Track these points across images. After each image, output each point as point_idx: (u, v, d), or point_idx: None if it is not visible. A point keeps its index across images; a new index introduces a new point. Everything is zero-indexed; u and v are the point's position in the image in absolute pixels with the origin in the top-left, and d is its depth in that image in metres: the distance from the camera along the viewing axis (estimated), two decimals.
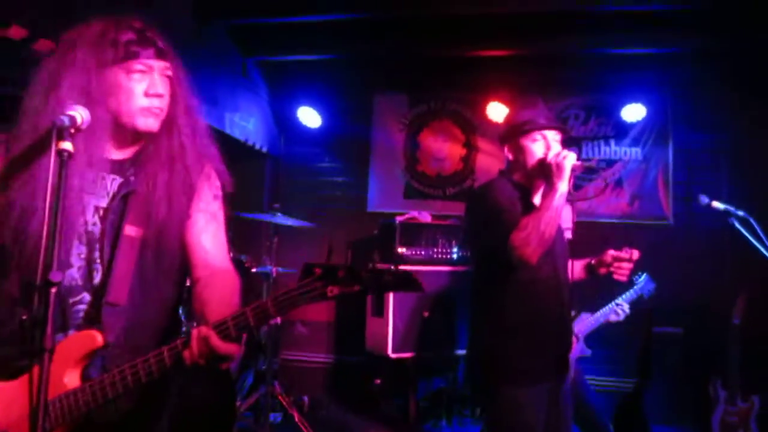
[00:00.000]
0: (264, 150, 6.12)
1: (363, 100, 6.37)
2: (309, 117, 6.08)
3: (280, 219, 4.70)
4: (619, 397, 4.78)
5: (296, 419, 4.48)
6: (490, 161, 6.13)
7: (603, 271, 2.71)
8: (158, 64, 1.67)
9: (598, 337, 3.74)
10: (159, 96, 1.66)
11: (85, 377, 1.57)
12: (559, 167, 2.48)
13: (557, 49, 5.40)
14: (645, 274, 3.85)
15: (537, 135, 2.63)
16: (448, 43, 5.41)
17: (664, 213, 5.70)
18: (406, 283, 1.37)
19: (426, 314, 4.56)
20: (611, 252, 2.69)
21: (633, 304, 3.76)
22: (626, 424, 4.45)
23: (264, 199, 6.28)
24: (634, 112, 5.52)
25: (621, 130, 5.81)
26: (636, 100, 5.48)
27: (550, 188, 2.50)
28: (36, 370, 1.24)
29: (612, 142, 5.87)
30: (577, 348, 3.61)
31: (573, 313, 3.63)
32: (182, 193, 1.70)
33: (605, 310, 3.72)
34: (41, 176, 1.59)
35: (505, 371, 2.53)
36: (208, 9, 4.73)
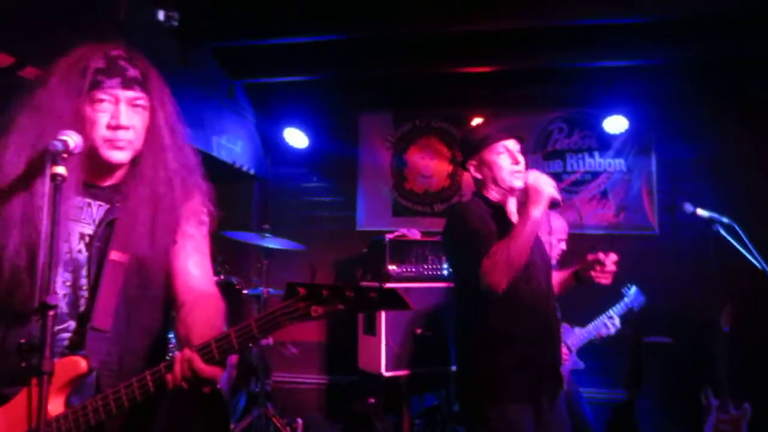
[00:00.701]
0: (251, 172, 6.13)
1: (349, 119, 6.41)
2: (295, 138, 6.11)
3: (270, 241, 4.71)
4: (611, 408, 4.81)
5: None
6: None
7: (587, 274, 2.70)
8: (125, 94, 1.63)
9: (588, 348, 3.76)
10: (122, 128, 1.62)
11: (68, 404, 1.55)
12: (537, 192, 2.48)
13: (538, 64, 5.46)
14: (635, 287, 3.89)
15: (500, 147, 2.64)
16: (430, 61, 5.46)
17: (649, 223, 5.77)
18: (392, 301, 1.32)
19: (418, 331, 4.56)
20: (590, 256, 2.69)
21: (622, 316, 3.79)
22: None
23: (252, 220, 6.28)
24: (616, 124, 5.59)
25: (604, 142, 5.89)
26: (618, 112, 5.55)
27: (523, 215, 2.47)
28: (35, 392, 1.24)
29: (596, 154, 5.94)
30: (570, 361, 3.63)
31: (564, 326, 3.66)
32: (167, 219, 1.69)
33: (596, 323, 3.74)
34: (33, 201, 1.59)
35: (492, 389, 2.49)
36: (193, 33, 4.75)
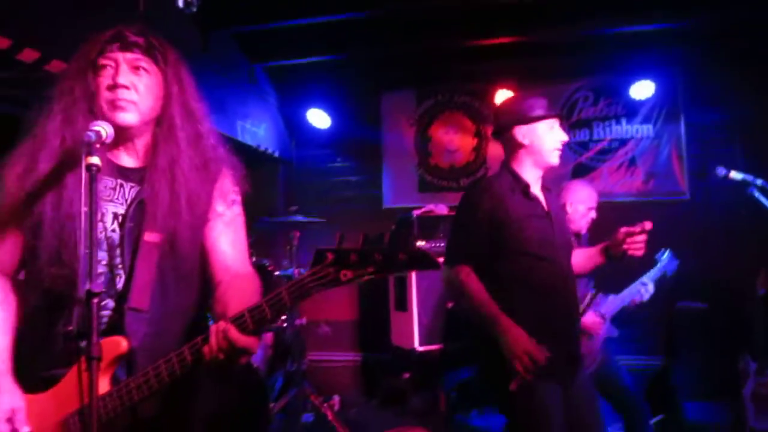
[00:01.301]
0: (276, 154, 6.16)
1: (371, 98, 6.40)
2: (318, 119, 6.12)
3: (298, 222, 4.74)
4: (646, 375, 4.78)
5: (329, 418, 4.51)
6: (502, 150, 6.11)
7: (618, 250, 2.67)
8: (124, 56, 1.65)
9: (622, 316, 3.73)
10: (122, 87, 1.63)
11: (114, 383, 1.59)
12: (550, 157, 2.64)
13: (561, 33, 5.38)
14: (668, 251, 3.84)
15: (553, 122, 2.70)
16: (451, 35, 5.41)
17: (680, 188, 5.69)
18: (421, 261, 1.31)
19: (450, 305, 4.58)
20: (623, 229, 2.66)
21: (656, 281, 3.76)
22: (656, 402, 4.45)
23: (279, 203, 6.33)
24: (643, 90, 5.50)
25: (631, 109, 5.80)
26: (644, 78, 5.46)
27: (499, 319, 2.43)
28: (84, 374, 1.27)
29: (623, 121, 5.86)
30: (604, 329, 3.61)
31: (590, 296, 3.63)
32: (195, 197, 1.70)
33: (630, 289, 3.71)
34: (68, 190, 1.63)
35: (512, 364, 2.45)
36: (212, 18, 4.77)
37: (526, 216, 2.57)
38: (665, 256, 3.83)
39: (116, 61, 1.64)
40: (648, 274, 3.75)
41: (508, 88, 5.72)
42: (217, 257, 1.73)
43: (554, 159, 2.69)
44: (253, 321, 1.39)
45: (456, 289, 2.56)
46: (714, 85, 5.60)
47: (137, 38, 1.66)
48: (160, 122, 1.70)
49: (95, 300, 1.32)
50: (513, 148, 2.75)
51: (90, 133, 1.46)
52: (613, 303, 3.69)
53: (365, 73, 6.24)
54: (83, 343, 1.32)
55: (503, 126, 2.77)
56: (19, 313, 1.74)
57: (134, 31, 1.68)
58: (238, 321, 1.40)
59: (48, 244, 1.61)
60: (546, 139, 2.67)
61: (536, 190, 2.71)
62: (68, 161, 1.63)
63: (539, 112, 2.70)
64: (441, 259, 4.46)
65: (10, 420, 1.60)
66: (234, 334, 1.38)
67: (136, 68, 1.66)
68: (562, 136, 2.71)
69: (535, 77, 5.94)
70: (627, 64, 5.60)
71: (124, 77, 1.63)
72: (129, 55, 1.65)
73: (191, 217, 1.68)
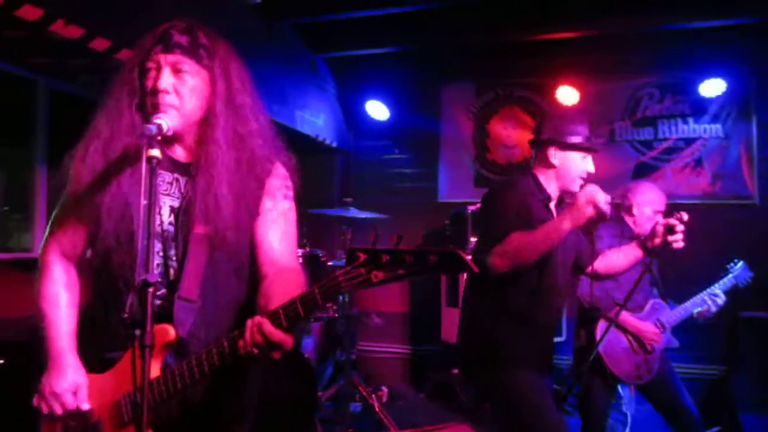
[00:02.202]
0: (334, 145, 6.21)
1: (430, 90, 6.37)
2: (377, 110, 6.13)
3: (353, 212, 4.77)
4: (702, 384, 4.63)
5: (376, 409, 4.55)
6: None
7: (657, 242, 2.68)
8: (166, 58, 1.64)
9: (681, 323, 3.62)
10: (160, 91, 1.63)
11: (163, 368, 1.63)
12: (580, 208, 2.42)
13: (629, 28, 5.23)
14: (742, 262, 3.69)
15: (588, 156, 2.76)
16: (514, 28, 5.33)
17: (749, 191, 5.46)
18: (454, 264, 1.26)
19: None
20: (662, 221, 2.65)
21: (726, 293, 3.62)
22: (713, 413, 4.31)
23: (335, 193, 6.38)
24: (712, 88, 5.30)
25: (699, 107, 5.59)
26: (714, 75, 5.25)
27: (557, 221, 2.51)
28: (138, 361, 1.32)
29: (690, 120, 5.65)
30: (664, 339, 3.50)
31: (658, 303, 3.53)
32: (243, 193, 1.71)
33: (695, 300, 3.58)
34: (125, 182, 1.68)
35: (503, 356, 2.67)
36: (276, 9, 4.83)
37: (540, 221, 2.62)
38: (738, 266, 3.68)
39: (159, 64, 1.65)
40: (718, 284, 3.61)
41: (571, 84, 5.60)
42: (265, 251, 1.74)
43: (575, 187, 2.73)
44: (286, 318, 1.39)
45: (510, 254, 2.49)
46: None
47: (181, 38, 1.65)
48: (207, 120, 1.70)
49: (150, 289, 1.36)
50: (543, 162, 2.80)
51: (151, 126, 1.49)
52: (675, 313, 3.57)
53: (425, 65, 6.22)
54: (137, 331, 1.35)
55: (541, 140, 2.83)
56: (83, 296, 1.81)
57: (180, 29, 1.67)
58: (273, 317, 1.40)
59: (108, 233, 1.66)
60: (574, 167, 2.74)
61: (552, 205, 2.79)
62: (124, 155, 1.67)
63: (578, 140, 2.76)
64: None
65: (74, 394, 1.68)
66: (268, 327, 1.39)
67: (177, 71, 1.65)
68: (590, 168, 2.76)
69: (598, 73, 5.79)
70: (696, 61, 5.39)
71: (165, 81, 1.63)
72: (171, 57, 1.64)
73: (239, 212, 1.69)
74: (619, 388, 4.41)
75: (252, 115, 1.76)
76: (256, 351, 1.41)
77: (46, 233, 1.84)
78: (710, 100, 5.49)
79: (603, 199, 2.38)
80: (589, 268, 2.98)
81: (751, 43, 5.22)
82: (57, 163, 1.77)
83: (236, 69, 1.75)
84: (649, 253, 2.78)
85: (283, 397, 3.77)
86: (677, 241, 2.63)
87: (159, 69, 1.65)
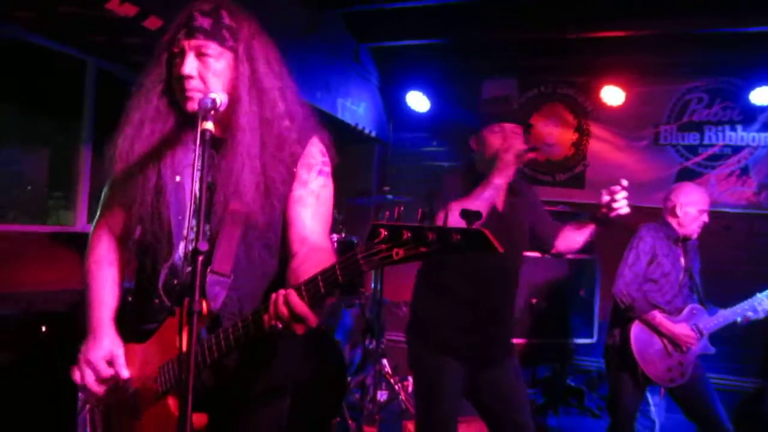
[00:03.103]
0: (373, 134, 6.22)
1: (472, 84, 6.32)
2: (417, 102, 6.12)
3: (391, 203, 4.79)
4: (736, 396, 4.55)
5: (402, 398, 4.57)
6: (603, 147, 5.95)
7: (604, 212, 2.65)
8: (190, 43, 1.64)
9: (717, 333, 3.55)
10: (186, 77, 1.63)
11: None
12: (504, 162, 2.56)
13: (679, 29, 5.13)
14: None
15: (496, 128, 2.77)
16: (560, 25, 5.26)
17: None
18: (478, 243, 1.20)
19: (534, 301, 4.51)
20: (604, 191, 2.64)
21: None
22: (746, 426, 4.23)
23: (373, 183, 6.40)
24: (764, 95, 5.16)
25: (749, 115, 5.46)
26: (767, 83, 5.12)
27: (487, 180, 2.56)
28: (185, 329, 1.34)
29: (738, 128, 5.52)
30: (701, 345, 3.45)
31: (696, 308, 3.47)
32: (275, 173, 1.70)
33: (736, 308, 3.51)
34: (166, 162, 1.73)
35: (429, 336, 2.75)
36: None
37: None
38: None
39: (182, 49, 1.65)
40: (765, 292, 3.53)
41: (616, 84, 5.53)
42: (296, 228, 1.73)
43: (498, 165, 2.62)
44: (308, 293, 1.39)
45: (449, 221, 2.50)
46: None
47: (203, 21, 1.65)
48: (231, 102, 1.68)
49: (200, 258, 1.38)
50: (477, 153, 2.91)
51: (207, 100, 1.51)
52: (715, 320, 3.50)
53: (468, 59, 6.17)
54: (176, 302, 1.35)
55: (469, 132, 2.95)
56: (124, 272, 1.88)
57: (204, 11, 1.66)
58: (298, 289, 1.40)
59: (147, 211, 1.71)
60: (488, 145, 2.78)
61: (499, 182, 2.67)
62: (158, 138, 1.71)
63: (486, 116, 2.89)
64: (533, 254, 4.44)
65: (110, 363, 1.72)
66: (294, 298, 1.38)
67: (201, 55, 1.65)
68: (507, 140, 2.72)
69: (645, 74, 5.70)
70: (748, 67, 5.27)
71: (189, 66, 1.64)
72: (194, 42, 1.64)
73: (265, 193, 1.69)
74: (648, 396, 4.36)
75: (279, 96, 1.74)
76: (279, 324, 1.41)
77: (97, 214, 1.91)
78: (761, 108, 5.35)
79: (518, 147, 2.58)
80: (554, 249, 2.99)
81: None
82: (102, 144, 1.81)
83: (261, 49, 1.73)
84: (600, 223, 2.75)
85: (313, 380, 3.81)
86: (621, 206, 2.60)
87: (183, 55, 1.65)
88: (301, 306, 1.38)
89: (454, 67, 6.26)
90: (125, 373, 1.72)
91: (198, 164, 1.45)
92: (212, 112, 1.53)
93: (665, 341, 3.41)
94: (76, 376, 1.76)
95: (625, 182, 2.60)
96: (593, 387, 5.31)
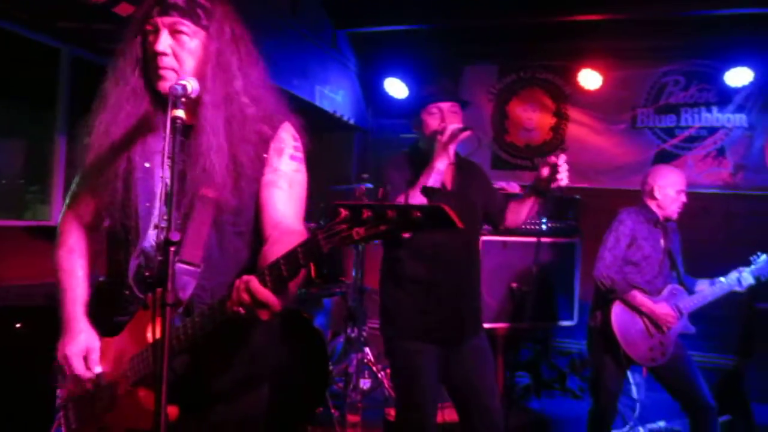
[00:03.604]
0: (352, 122, 6.18)
1: (451, 70, 6.29)
2: (396, 88, 6.08)
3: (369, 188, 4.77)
4: (716, 373, 4.61)
5: (385, 385, 4.57)
6: (581, 131, 5.97)
7: (543, 184, 2.69)
8: (163, 21, 1.62)
9: (697, 312, 3.60)
10: (162, 54, 1.61)
11: None
12: (441, 145, 2.60)
13: (656, 13, 5.15)
14: (765, 256, 3.65)
15: (433, 108, 2.79)
16: (539, 10, 5.26)
17: None
18: (438, 219, 1.19)
19: (515, 285, 4.52)
20: (542, 166, 2.68)
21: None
22: (725, 402, 4.29)
23: (352, 170, 6.36)
24: (739, 77, 5.21)
25: (724, 96, 5.51)
26: (742, 64, 5.16)
27: (429, 165, 2.59)
28: (158, 323, 1.32)
29: (714, 109, 5.57)
30: (681, 324, 3.49)
31: (676, 288, 3.51)
32: (246, 153, 1.68)
33: (715, 288, 3.56)
34: (137, 149, 1.69)
35: (397, 326, 2.77)
36: None
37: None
38: (762, 259, 3.64)
39: (156, 27, 1.63)
40: (740, 272, 3.58)
41: (594, 68, 5.54)
42: (269, 213, 1.71)
43: (435, 143, 2.67)
44: (271, 278, 1.36)
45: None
46: None
47: (182, 1, 1.63)
48: (201, 80, 1.64)
49: (172, 248, 1.35)
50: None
51: (177, 87, 1.48)
52: (694, 299, 3.55)
53: (447, 45, 6.15)
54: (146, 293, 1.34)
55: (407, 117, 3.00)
56: (94, 264, 1.85)
57: None
58: (260, 275, 1.38)
59: (118, 199, 1.68)
60: (426, 125, 2.81)
61: (441, 167, 2.66)
62: (133, 122, 1.67)
63: (421, 97, 2.89)
64: (513, 238, 4.44)
65: (85, 358, 1.70)
66: (255, 284, 1.36)
67: (175, 32, 1.63)
68: (443, 119, 2.76)
69: (622, 58, 5.72)
70: (724, 49, 5.30)
71: (163, 43, 1.61)
72: (167, 19, 1.62)
73: (236, 174, 1.67)
74: (629, 376, 4.41)
75: (241, 76, 1.71)
76: (242, 311, 1.39)
77: (65, 203, 1.87)
78: (736, 90, 5.40)
79: (451, 128, 2.63)
80: (503, 224, 3.03)
81: None
82: (77, 134, 1.78)
83: (231, 30, 1.71)
84: (540, 194, 2.78)
85: (294, 369, 3.80)
86: (560, 177, 2.62)
87: (157, 32, 1.62)
88: (263, 292, 1.36)
89: (432, 53, 6.22)
90: (98, 369, 1.70)
91: (168, 152, 1.42)
92: (183, 99, 1.50)
93: (646, 321, 3.45)
94: (55, 372, 1.74)
95: (562, 158, 2.64)
96: (575, 369, 5.36)
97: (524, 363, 5.29)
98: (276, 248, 1.53)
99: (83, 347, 1.70)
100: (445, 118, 2.76)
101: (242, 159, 1.67)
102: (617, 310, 3.45)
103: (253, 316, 1.39)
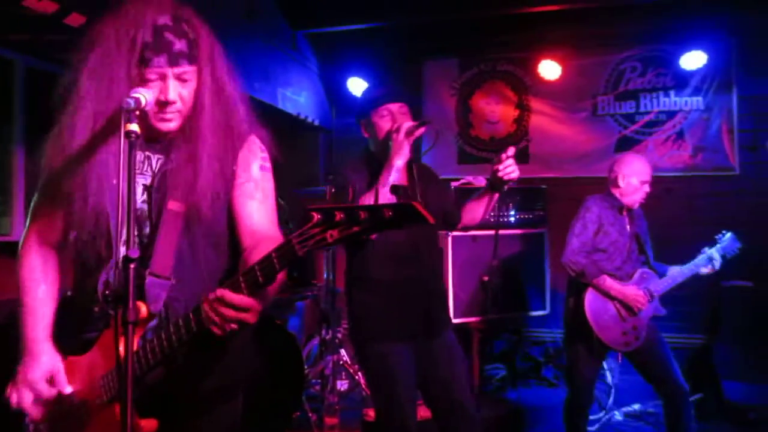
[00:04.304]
0: (316, 123, 6.15)
1: (412, 67, 6.32)
2: (359, 87, 6.07)
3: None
4: (686, 353, 4.70)
5: (363, 386, 4.57)
6: (544, 121, 6.03)
7: (497, 179, 2.73)
8: (173, 71, 1.62)
9: (666, 293, 3.66)
10: (171, 103, 1.64)
11: (140, 346, 1.60)
12: (398, 143, 2.61)
13: (611, 1, 5.21)
14: (730, 233, 3.73)
15: (383, 110, 2.79)
16: (497, 2, 5.29)
17: (729, 163, 5.50)
18: (410, 217, 1.23)
19: (485, 278, 4.55)
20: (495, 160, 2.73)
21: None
22: (696, 380, 4.38)
23: (319, 171, 6.34)
24: (694, 60, 5.31)
25: (681, 80, 5.61)
26: (696, 47, 5.26)
27: (388, 164, 2.60)
28: (121, 341, 1.30)
29: (671, 93, 5.67)
30: (651, 307, 3.55)
31: (646, 272, 3.56)
32: (222, 166, 1.70)
33: (684, 269, 3.63)
34: (102, 160, 1.65)
35: (366, 327, 2.75)
36: None
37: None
38: (727, 236, 3.72)
39: (164, 75, 1.62)
40: (704, 254, 3.65)
41: (553, 58, 5.59)
42: (244, 222, 1.73)
43: (390, 144, 2.67)
44: (246, 284, 1.38)
45: None
46: None
47: (181, 44, 1.62)
48: (195, 108, 1.68)
49: (132, 265, 1.34)
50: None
51: (129, 100, 1.45)
52: (664, 282, 3.61)
53: (407, 42, 6.16)
54: (115, 310, 1.33)
55: (356, 119, 2.95)
56: (61, 281, 1.81)
57: (175, 32, 1.62)
58: (233, 284, 1.39)
59: (82, 214, 1.64)
60: (378, 127, 2.80)
61: (398, 164, 2.68)
62: (104, 132, 1.64)
63: (371, 99, 2.87)
64: (482, 232, 4.45)
65: (50, 381, 1.67)
66: (228, 296, 1.37)
67: (183, 80, 1.65)
68: (394, 121, 2.74)
69: (580, 47, 5.78)
70: (678, 33, 5.40)
71: (173, 93, 1.63)
72: (177, 70, 1.62)
73: (214, 185, 1.68)
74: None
75: (233, 93, 1.74)
76: (217, 319, 1.39)
77: (27, 220, 1.82)
78: (691, 73, 5.51)
79: (406, 126, 2.63)
80: (460, 223, 3.05)
81: (732, 15, 5.23)
82: (35, 145, 1.74)
83: (218, 53, 1.73)
84: (496, 190, 2.82)
85: (270, 375, 3.77)
86: (509, 172, 2.68)
87: (164, 80, 1.62)
88: (238, 299, 1.37)
89: (393, 50, 6.22)
90: (68, 389, 1.67)
91: (124, 165, 1.40)
92: (137, 113, 1.48)
93: (617, 305, 3.49)
94: (12, 397, 1.69)
95: (510, 150, 2.68)
96: (549, 358, 5.42)
97: (499, 354, 5.33)
98: (254, 255, 1.54)
99: (47, 370, 1.67)
100: (396, 119, 2.76)
101: (215, 172, 1.69)
102: (590, 297, 3.49)
103: (228, 322, 1.39)
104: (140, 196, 1.71)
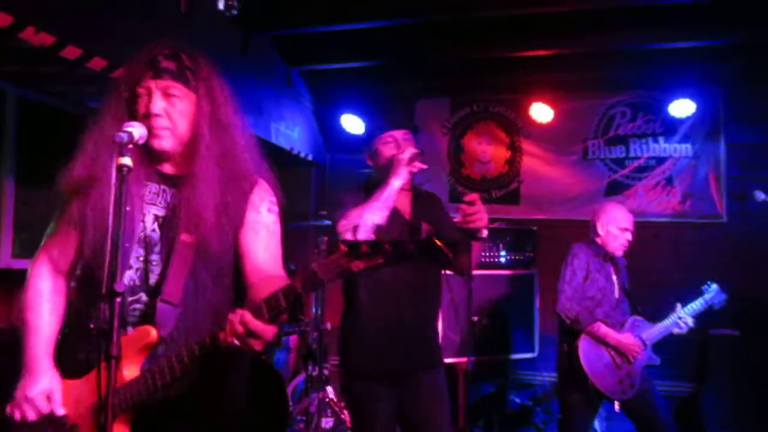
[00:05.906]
0: (309, 158, 6.18)
1: (406, 105, 6.37)
2: (352, 124, 6.11)
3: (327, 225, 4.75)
4: (675, 401, 4.67)
5: (348, 424, 4.50)
6: (535, 163, 6.08)
7: (466, 228, 2.63)
8: (157, 84, 1.72)
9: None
10: (154, 116, 1.71)
11: (143, 369, 1.67)
12: (397, 162, 2.64)
13: (601, 47, 5.31)
14: (715, 285, 3.74)
15: (388, 137, 2.82)
16: (489, 45, 5.37)
17: (717, 211, 5.55)
18: (432, 250, 1.35)
19: (475, 319, 4.54)
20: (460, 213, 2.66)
21: (701, 314, 3.67)
22: (683, 429, 4.35)
23: (311, 206, 6.34)
24: (682, 108, 5.38)
25: (670, 127, 5.69)
26: (685, 96, 5.34)
27: (385, 183, 2.62)
28: (104, 373, 1.29)
29: (660, 140, 5.75)
30: (645, 356, 3.53)
31: (639, 320, 3.55)
32: (226, 206, 1.76)
33: (667, 322, 3.62)
34: (105, 191, 1.69)
35: (351, 365, 2.78)
36: (253, 21, 4.82)
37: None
38: (712, 288, 3.73)
39: (149, 89, 1.72)
40: (691, 305, 3.65)
41: (545, 101, 5.67)
42: (250, 261, 1.79)
43: (396, 169, 2.66)
44: (268, 309, 1.44)
45: (350, 223, 2.51)
46: (757, 104, 5.45)
47: (169, 63, 1.73)
48: (195, 137, 1.76)
49: (118, 299, 1.34)
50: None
51: (122, 134, 1.51)
52: (656, 330, 3.60)
53: (401, 80, 6.23)
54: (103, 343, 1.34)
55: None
56: (67, 307, 1.86)
57: (167, 54, 1.74)
58: (255, 308, 1.46)
59: (90, 243, 1.72)
60: (382, 155, 2.82)
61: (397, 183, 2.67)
62: (106, 170, 1.69)
63: (372, 128, 2.96)
64: (473, 272, 4.44)
65: (48, 399, 1.70)
66: (248, 317, 1.44)
67: (168, 95, 1.73)
68: (399, 147, 2.77)
69: (571, 90, 5.87)
70: (667, 81, 5.49)
71: (157, 105, 1.71)
72: (161, 83, 1.72)
73: (221, 222, 1.75)
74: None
75: (238, 132, 1.83)
76: (236, 342, 1.45)
77: (42, 244, 1.90)
78: (680, 120, 5.59)
79: (409, 152, 2.64)
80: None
81: (721, 65, 5.33)
82: (26, 175, 1.80)
83: (219, 87, 1.82)
84: (472, 239, 2.71)
85: (254, 411, 3.71)
86: (475, 219, 2.57)
87: (150, 94, 1.72)
88: (257, 324, 1.43)
89: (387, 88, 6.29)
90: (61, 411, 1.71)
91: (115, 197, 1.46)
92: (129, 146, 1.54)
93: (612, 353, 3.47)
94: (15, 413, 1.72)
95: (474, 197, 2.61)
96: (537, 401, 5.37)
97: (486, 396, 5.28)
98: (261, 291, 1.60)
99: (45, 387, 1.71)
100: (399, 145, 2.78)
101: (226, 211, 1.76)
102: (584, 344, 3.46)
103: (246, 346, 1.46)
104: (150, 225, 1.78)
